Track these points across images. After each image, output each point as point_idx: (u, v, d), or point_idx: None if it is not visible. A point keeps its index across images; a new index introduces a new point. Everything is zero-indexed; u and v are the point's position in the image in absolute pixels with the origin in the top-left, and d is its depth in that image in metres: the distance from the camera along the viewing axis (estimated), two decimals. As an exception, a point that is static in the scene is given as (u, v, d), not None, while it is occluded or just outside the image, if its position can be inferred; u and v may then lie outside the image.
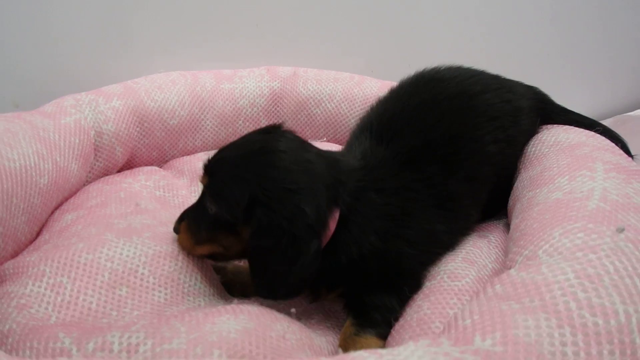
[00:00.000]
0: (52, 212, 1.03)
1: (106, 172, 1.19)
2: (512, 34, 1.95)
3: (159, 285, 0.82)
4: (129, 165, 1.26)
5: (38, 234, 0.98)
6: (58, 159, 1.03)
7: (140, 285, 0.81)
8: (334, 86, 1.45)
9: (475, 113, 0.93)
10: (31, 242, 0.95)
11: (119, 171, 1.23)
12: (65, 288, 0.77)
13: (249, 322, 0.70)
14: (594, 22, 2.09)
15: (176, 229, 0.85)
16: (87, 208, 0.99)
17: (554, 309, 0.51)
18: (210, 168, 0.79)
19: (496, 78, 1.04)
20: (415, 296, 0.80)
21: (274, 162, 0.73)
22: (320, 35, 1.64)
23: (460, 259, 0.86)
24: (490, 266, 0.86)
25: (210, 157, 0.80)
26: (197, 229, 0.81)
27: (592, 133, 1.00)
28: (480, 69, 1.04)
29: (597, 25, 2.10)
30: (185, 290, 0.84)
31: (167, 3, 1.43)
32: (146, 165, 1.27)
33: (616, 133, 1.11)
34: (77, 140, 1.09)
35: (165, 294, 0.81)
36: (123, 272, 0.81)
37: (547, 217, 0.72)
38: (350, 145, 0.94)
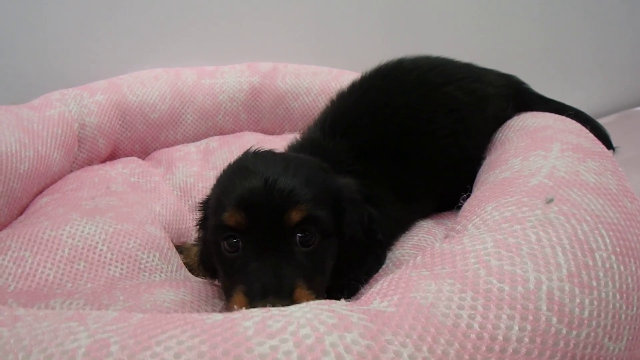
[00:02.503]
0: (35, 197, 1.07)
1: (90, 162, 1.23)
2: (506, 28, 1.88)
3: (116, 261, 0.84)
4: (112, 157, 1.29)
5: (19, 216, 1.02)
6: (40, 148, 1.07)
7: (98, 261, 0.83)
8: (312, 80, 1.46)
9: (431, 107, 0.91)
10: (10, 222, 0.99)
11: (102, 162, 1.27)
12: (27, 261, 0.80)
13: (187, 295, 0.72)
14: (593, 17, 2.01)
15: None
16: (63, 192, 1.03)
17: (462, 275, 0.49)
18: (277, 202, 0.62)
19: (464, 67, 1.00)
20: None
21: (301, 164, 0.68)
22: (304, 34, 1.65)
23: (409, 245, 0.84)
24: None
25: (252, 203, 0.62)
26: (311, 279, 0.62)
27: (562, 117, 0.95)
28: (450, 58, 1.01)
29: (595, 20, 2.03)
30: (142, 266, 0.86)
31: (155, 5, 1.47)
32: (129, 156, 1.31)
33: (590, 117, 1.05)
34: (60, 131, 1.13)
35: (121, 269, 0.83)
36: (82, 248, 0.83)
37: (487, 194, 0.70)
38: (302, 140, 0.92)
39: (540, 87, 1.10)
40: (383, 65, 0.99)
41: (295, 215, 0.61)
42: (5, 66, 1.36)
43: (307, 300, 0.58)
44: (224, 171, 0.72)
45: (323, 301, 0.49)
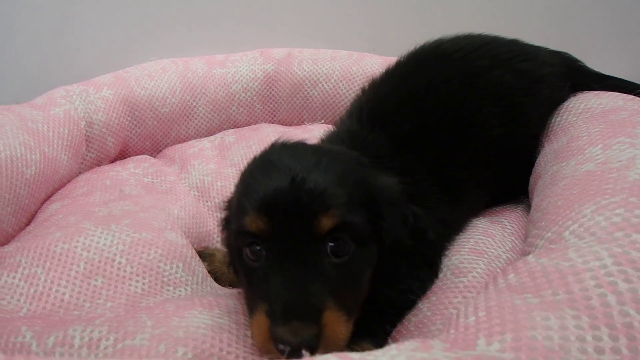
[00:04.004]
0: (43, 203, 0.98)
1: (99, 163, 1.14)
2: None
3: (137, 275, 0.76)
4: (122, 155, 1.20)
5: (27, 224, 0.93)
6: (46, 150, 0.98)
7: (117, 275, 0.75)
8: (331, 65, 1.35)
9: (478, 95, 0.82)
10: (19, 232, 0.90)
11: (112, 162, 1.17)
12: (39, 279, 0.72)
13: (224, 317, 0.63)
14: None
15: (311, 344, 0.49)
16: (73, 197, 0.94)
17: (586, 304, 0.38)
18: (306, 205, 0.53)
19: (511, 45, 0.90)
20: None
21: (335, 158, 0.59)
22: (317, 14, 1.53)
23: (467, 250, 0.74)
24: (503, 257, 0.73)
25: (276, 206, 0.54)
26: (343, 296, 0.53)
27: (631, 97, 0.83)
28: (493, 35, 0.91)
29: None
30: (165, 279, 0.78)
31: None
32: (140, 155, 1.21)
33: None
34: (67, 131, 1.04)
35: (143, 283, 0.75)
36: (99, 261, 0.75)
37: (575, 192, 0.59)
38: (337, 132, 0.83)
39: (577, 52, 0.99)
40: (419, 48, 0.90)
41: (327, 222, 0.53)
42: (8, 65, 1.26)
43: (337, 324, 0.51)
44: (248, 165, 0.63)
45: (415, 345, 0.39)
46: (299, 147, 0.61)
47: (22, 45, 1.31)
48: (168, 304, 0.67)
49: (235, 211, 0.60)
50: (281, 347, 0.49)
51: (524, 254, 0.62)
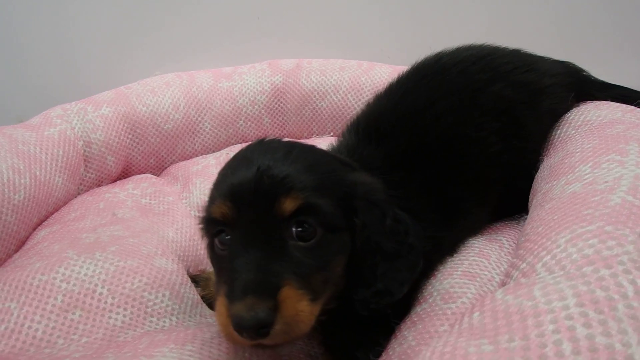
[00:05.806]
0: (35, 228, 0.92)
1: (99, 183, 1.08)
2: (550, 4, 1.62)
3: (118, 307, 0.69)
4: (125, 174, 1.15)
5: (17, 251, 0.88)
6: (38, 173, 0.93)
7: (97, 307, 0.69)
8: (340, 76, 1.28)
9: (478, 110, 0.78)
10: (6, 260, 0.84)
11: (114, 181, 1.11)
12: (12, 314, 0.67)
13: (194, 354, 0.57)
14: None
15: (264, 318, 0.47)
16: (63, 222, 0.89)
17: (539, 354, 0.35)
18: (267, 189, 0.53)
19: (512, 56, 0.86)
20: (402, 325, 0.63)
21: (306, 151, 0.60)
22: (327, 23, 1.47)
23: (459, 273, 0.69)
24: (497, 279, 0.68)
25: (240, 192, 0.54)
26: (307, 277, 0.52)
27: (632, 108, 0.79)
28: (494, 46, 0.87)
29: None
30: (149, 309, 0.71)
31: (162, 2, 1.31)
32: (143, 173, 1.15)
33: None
34: (61, 152, 0.99)
35: (124, 315, 0.69)
36: (79, 293, 0.70)
37: (556, 218, 0.55)
38: (338, 146, 0.81)
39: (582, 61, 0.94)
40: (420, 62, 0.87)
41: (289, 204, 0.53)
42: (12, 82, 1.24)
43: (297, 300, 0.49)
44: (225, 163, 0.64)
45: None
46: (273, 143, 0.61)
47: (26, 62, 1.29)
48: (144, 339, 0.62)
49: (207, 204, 0.61)
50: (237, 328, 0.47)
51: (502, 283, 0.58)
